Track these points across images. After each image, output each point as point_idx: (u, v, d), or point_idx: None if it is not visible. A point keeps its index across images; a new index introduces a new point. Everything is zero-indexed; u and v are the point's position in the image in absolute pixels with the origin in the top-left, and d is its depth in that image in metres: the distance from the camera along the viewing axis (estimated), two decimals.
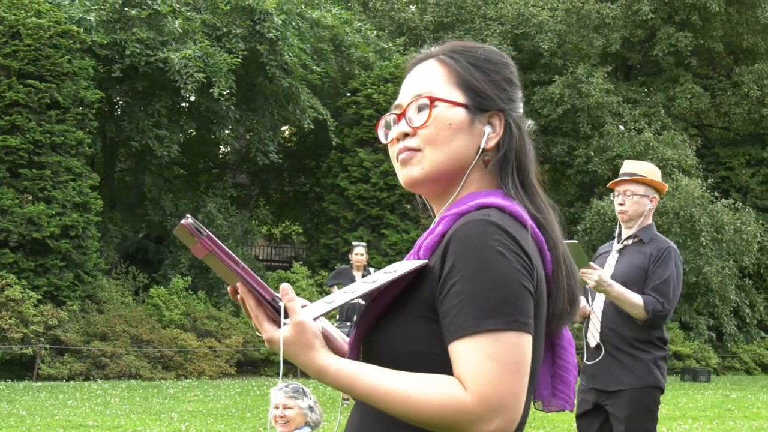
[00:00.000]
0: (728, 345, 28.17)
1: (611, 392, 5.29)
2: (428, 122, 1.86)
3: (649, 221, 5.49)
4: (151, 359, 19.88)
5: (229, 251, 1.71)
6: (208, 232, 1.67)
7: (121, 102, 24.43)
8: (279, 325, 1.73)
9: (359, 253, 13.02)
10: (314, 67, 23.92)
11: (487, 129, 1.88)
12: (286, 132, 30.79)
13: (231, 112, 23.50)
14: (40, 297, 18.94)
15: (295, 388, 5.53)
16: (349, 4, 29.33)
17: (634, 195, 5.40)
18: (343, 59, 25.94)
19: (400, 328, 1.77)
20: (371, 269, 13.22)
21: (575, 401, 2.29)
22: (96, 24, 21.13)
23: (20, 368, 18.63)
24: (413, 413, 1.66)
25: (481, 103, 1.88)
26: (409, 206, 24.42)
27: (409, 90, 1.94)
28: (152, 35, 21.63)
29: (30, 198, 19.64)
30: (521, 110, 1.95)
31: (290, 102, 24.12)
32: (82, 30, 20.56)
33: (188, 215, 1.68)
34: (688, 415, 14.62)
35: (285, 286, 1.74)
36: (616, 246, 5.52)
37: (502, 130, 1.89)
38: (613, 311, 5.30)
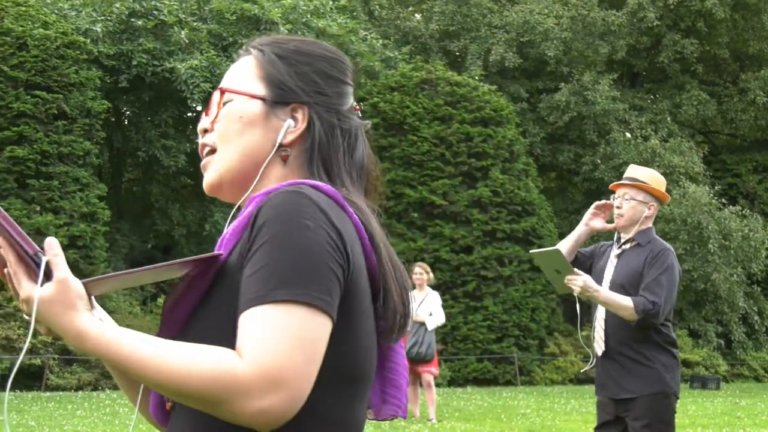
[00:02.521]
0: (737, 352, 28.10)
1: (625, 401, 5.22)
2: (219, 116, 1.76)
3: (648, 226, 5.36)
4: None
5: None
6: None
7: (128, 112, 24.49)
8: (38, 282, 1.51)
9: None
10: None
11: (287, 123, 1.75)
12: None
13: None
14: None
15: None
16: (355, 14, 29.37)
17: (633, 200, 5.24)
18: None
19: (214, 322, 1.59)
20: None
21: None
22: (103, 35, 21.22)
23: (29, 379, 18.62)
24: (178, 384, 1.47)
25: (280, 95, 1.76)
26: (416, 215, 24.40)
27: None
28: (159, 45, 21.70)
29: (38, 208, 19.68)
30: (343, 106, 1.81)
31: None
32: (88, 41, 20.64)
33: None
34: (697, 423, 14.58)
35: (50, 240, 1.53)
36: (615, 251, 5.43)
37: (305, 125, 1.76)
38: (616, 318, 5.18)
